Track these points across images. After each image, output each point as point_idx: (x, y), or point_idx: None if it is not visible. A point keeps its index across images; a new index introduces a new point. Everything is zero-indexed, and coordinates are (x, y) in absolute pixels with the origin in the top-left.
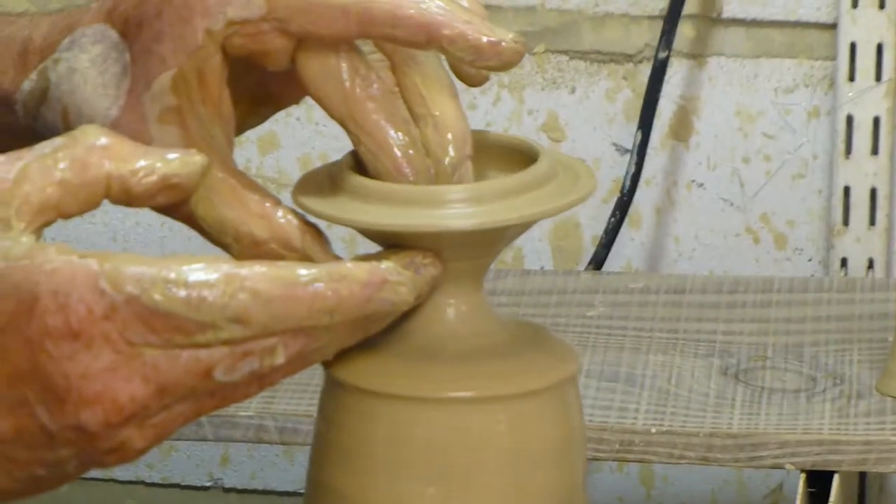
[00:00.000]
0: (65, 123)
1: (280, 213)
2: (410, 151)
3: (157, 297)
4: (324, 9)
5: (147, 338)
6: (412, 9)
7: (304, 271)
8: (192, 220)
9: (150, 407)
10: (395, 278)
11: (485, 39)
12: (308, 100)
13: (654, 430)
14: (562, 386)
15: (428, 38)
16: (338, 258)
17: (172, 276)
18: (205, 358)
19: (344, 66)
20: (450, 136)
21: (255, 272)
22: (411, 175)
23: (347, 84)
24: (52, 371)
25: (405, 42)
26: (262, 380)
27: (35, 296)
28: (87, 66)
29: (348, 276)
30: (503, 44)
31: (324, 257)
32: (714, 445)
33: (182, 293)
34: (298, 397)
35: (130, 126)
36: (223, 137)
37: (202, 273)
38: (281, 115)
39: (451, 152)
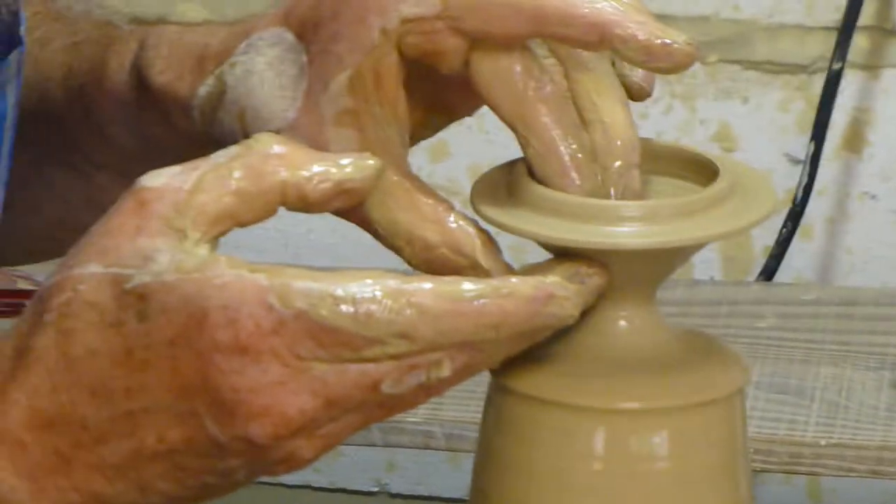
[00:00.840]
0: (242, 126)
1: (452, 218)
2: (579, 156)
3: (325, 312)
4: (497, 7)
5: (315, 352)
6: (585, 7)
7: (469, 286)
8: (366, 223)
9: (319, 419)
10: (562, 293)
11: (657, 41)
12: (479, 109)
13: (823, 442)
14: (729, 398)
15: (600, 37)
16: (508, 266)
17: (340, 292)
18: (372, 372)
19: (517, 67)
20: (619, 142)
21: (421, 288)
22: (577, 179)
23: (520, 85)
24: (222, 384)
25: (577, 41)
26: (429, 391)
27: (205, 310)
28: (264, 69)
29: (514, 292)
30: (675, 45)
31: (495, 265)
32: (884, 459)
33: (350, 309)
34: (465, 404)
35: (307, 128)
36: (398, 140)
37: (369, 289)
38: (453, 124)
39: (619, 159)
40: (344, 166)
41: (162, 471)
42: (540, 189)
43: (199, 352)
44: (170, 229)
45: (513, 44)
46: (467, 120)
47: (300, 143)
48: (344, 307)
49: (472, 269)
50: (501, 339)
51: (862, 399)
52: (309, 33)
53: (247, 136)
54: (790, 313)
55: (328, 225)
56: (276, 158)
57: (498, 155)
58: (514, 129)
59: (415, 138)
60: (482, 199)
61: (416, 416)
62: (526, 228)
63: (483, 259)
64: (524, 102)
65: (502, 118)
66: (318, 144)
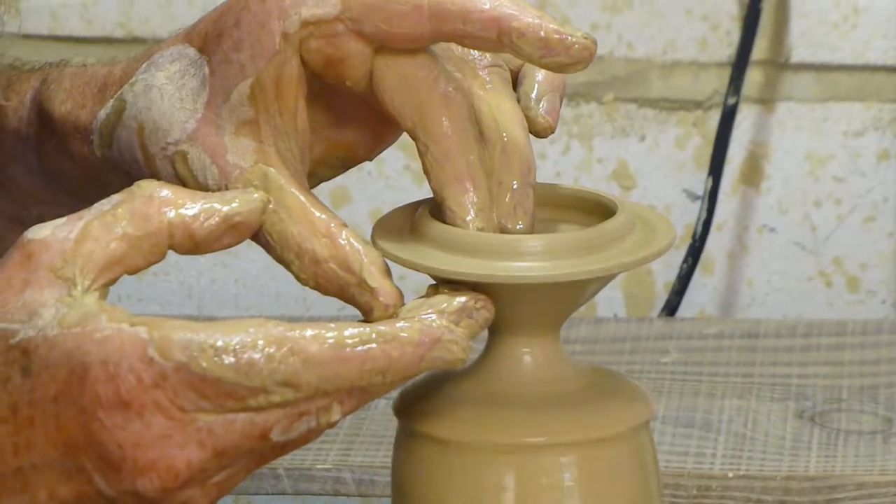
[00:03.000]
0: (140, 141)
1: (344, 234)
2: (475, 168)
3: (205, 364)
4: (397, 5)
5: (199, 403)
6: (485, 4)
7: (352, 332)
8: (257, 236)
9: (209, 470)
10: (448, 336)
11: (555, 35)
12: (380, 153)
13: (731, 474)
14: (635, 432)
15: (498, 31)
16: (396, 289)
17: (220, 342)
18: (260, 421)
19: (420, 74)
20: (516, 161)
21: (304, 335)
22: (471, 188)
23: (423, 92)
24: (106, 440)
25: (476, 38)
26: (320, 432)
27: (86, 365)
28: (164, 83)
29: (399, 337)
30: (572, 38)
31: (381, 285)
32: (791, 489)
33: (230, 360)
34: (375, 449)
35: (206, 139)
36: (297, 152)
37: (250, 338)
38: (353, 169)
39: (515, 178)
40: (229, 200)
41: None
42: (441, 226)
43: (82, 408)
44: (58, 279)
45: (416, 47)
46: (367, 165)
47: (199, 153)
48: (225, 358)
49: (358, 287)
50: (388, 383)
51: (767, 430)
52: (212, 45)
53: (145, 151)
54: (693, 347)
55: (231, 275)
56: (161, 201)
57: (399, 199)
58: (414, 136)
59: (316, 177)
60: (383, 236)
61: (325, 463)
62: (426, 264)
63: (369, 278)
64: (426, 109)
65: (404, 125)
66: (217, 154)
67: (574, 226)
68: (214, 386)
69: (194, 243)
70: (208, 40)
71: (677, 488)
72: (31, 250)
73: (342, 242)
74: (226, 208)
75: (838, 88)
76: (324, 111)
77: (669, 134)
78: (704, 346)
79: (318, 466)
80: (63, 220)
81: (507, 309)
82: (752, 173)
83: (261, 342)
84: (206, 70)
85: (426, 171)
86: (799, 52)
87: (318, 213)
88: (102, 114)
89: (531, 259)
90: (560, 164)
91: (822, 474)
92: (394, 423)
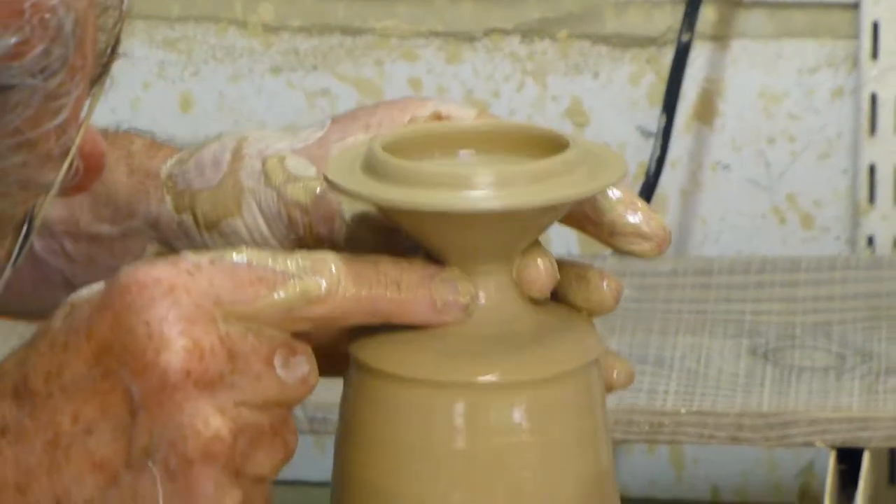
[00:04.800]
0: (234, 151)
1: None
2: None
3: (236, 258)
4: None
5: (232, 295)
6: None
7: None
8: None
9: (223, 373)
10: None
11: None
12: (332, 92)
13: (683, 410)
14: (585, 369)
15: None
16: None
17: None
18: (265, 342)
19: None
20: None
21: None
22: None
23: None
24: (134, 323)
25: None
26: (309, 386)
27: (124, 282)
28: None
29: (406, 263)
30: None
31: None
32: (744, 425)
33: (265, 251)
34: (329, 387)
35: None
36: None
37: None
38: (304, 106)
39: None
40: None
41: (76, 472)
42: (393, 160)
43: (115, 311)
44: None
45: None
46: (320, 103)
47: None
48: (259, 250)
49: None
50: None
51: (720, 367)
52: None
53: (236, 154)
54: (647, 284)
55: None
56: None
57: None
58: None
59: None
60: (335, 172)
61: None
62: (379, 196)
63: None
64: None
65: None
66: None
67: (527, 161)
68: (247, 270)
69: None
70: None
71: (630, 424)
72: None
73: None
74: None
75: (792, 25)
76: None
77: (623, 71)
78: (658, 283)
79: None
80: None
81: (461, 241)
82: (706, 110)
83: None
84: None
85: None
86: None
87: None
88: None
89: (483, 189)
90: (514, 101)
91: (775, 410)
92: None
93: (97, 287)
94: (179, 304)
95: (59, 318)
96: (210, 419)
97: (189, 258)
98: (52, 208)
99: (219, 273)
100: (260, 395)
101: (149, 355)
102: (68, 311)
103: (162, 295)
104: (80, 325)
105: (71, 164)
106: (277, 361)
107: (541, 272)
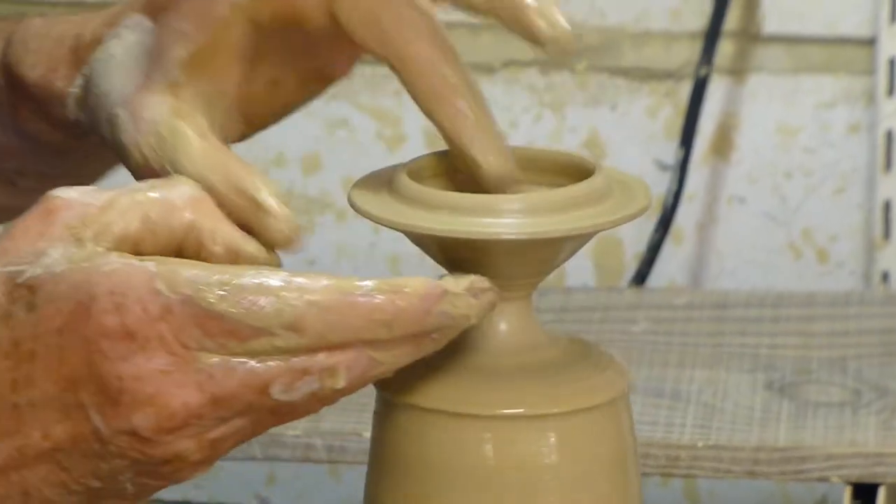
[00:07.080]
0: (104, 108)
1: (240, 166)
2: (451, 80)
3: (211, 299)
4: None
5: (202, 342)
6: None
7: (360, 282)
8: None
9: (205, 417)
10: (454, 288)
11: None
12: (351, 122)
13: (700, 444)
14: (614, 403)
15: None
16: (289, 211)
17: (227, 278)
18: (261, 372)
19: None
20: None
21: (313, 281)
22: (449, 95)
23: (389, 25)
24: (107, 371)
25: None
26: (322, 400)
27: (93, 296)
28: (122, 53)
29: (405, 290)
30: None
31: (274, 204)
32: (760, 459)
33: (237, 296)
34: (345, 416)
35: (134, 101)
36: (225, 113)
37: (258, 278)
38: (323, 135)
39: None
40: (246, 244)
41: (46, 473)
42: (418, 186)
43: (86, 338)
44: (71, 237)
45: None
46: (339, 132)
47: (126, 115)
48: (232, 294)
49: (255, 212)
50: (396, 343)
51: (737, 400)
52: (160, 14)
53: (107, 117)
54: (663, 317)
55: None
56: (192, 201)
57: (371, 166)
58: (392, 68)
59: (293, 106)
60: (361, 196)
61: (296, 429)
62: (404, 222)
63: (257, 193)
64: (394, 35)
65: (376, 55)
66: (136, 112)
67: (552, 187)
68: (219, 322)
69: (196, 257)
70: (158, 9)
71: (646, 457)
72: (53, 206)
73: (234, 168)
74: (244, 247)
75: (809, 60)
76: (281, 52)
77: (641, 104)
78: (674, 316)
79: (289, 432)
80: (93, 188)
81: (484, 269)
82: (723, 144)
83: (269, 282)
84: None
85: (409, 89)
86: (770, 23)
87: (233, 162)
88: (79, 80)
89: (509, 217)
90: (532, 132)
91: (791, 445)
92: (364, 390)
93: (56, 254)
94: (153, 360)
95: (19, 303)
96: (189, 457)
97: (161, 293)
98: None
99: (188, 317)
100: (253, 428)
101: (121, 415)
102: (30, 298)
103: (134, 352)
104: (48, 339)
105: None
106: (276, 389)
107: None
